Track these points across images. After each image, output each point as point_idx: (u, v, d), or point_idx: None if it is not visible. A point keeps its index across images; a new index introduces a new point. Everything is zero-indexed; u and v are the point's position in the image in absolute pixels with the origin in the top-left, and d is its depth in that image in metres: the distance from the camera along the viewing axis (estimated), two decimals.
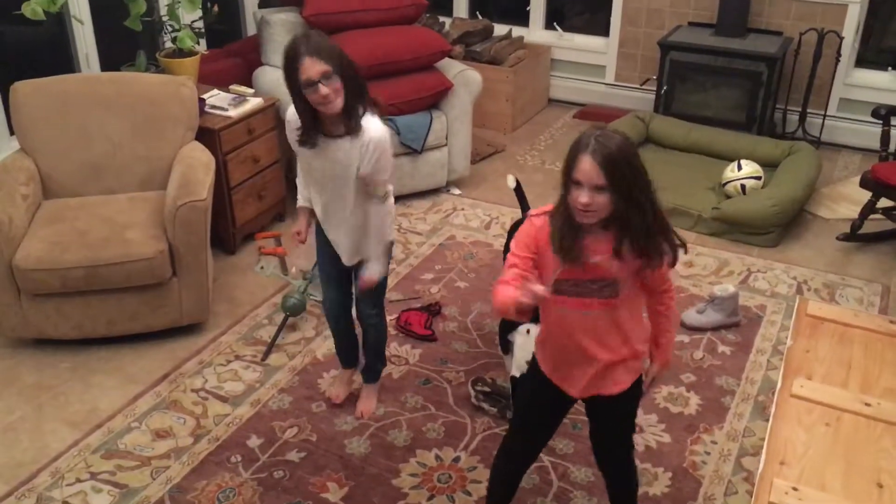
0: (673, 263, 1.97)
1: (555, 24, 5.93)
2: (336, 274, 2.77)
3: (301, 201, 2.73)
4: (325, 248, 2.71)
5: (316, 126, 2.38)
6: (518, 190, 3.32)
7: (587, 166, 1.79)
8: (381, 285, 2.75)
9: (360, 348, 3.02)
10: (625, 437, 2.26)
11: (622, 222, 1.85)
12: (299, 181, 2.70)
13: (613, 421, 2.22)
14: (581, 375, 2.09)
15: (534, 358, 2.20)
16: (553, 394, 2.15)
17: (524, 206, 3.34)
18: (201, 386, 3.15)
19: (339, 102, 2.28)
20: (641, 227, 1.86)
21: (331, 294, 2.84)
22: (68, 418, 3.00)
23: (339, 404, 3.02)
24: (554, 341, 2.10)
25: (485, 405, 2.98)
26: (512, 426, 2.35)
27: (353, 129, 2.35)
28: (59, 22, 4.08)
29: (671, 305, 2.13)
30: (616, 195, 1.80)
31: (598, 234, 1.89)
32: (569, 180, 1.84)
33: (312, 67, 2.21)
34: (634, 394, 2.16)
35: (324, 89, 2.23)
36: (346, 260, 2.68)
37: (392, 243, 2.69)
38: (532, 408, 2.25)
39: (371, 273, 2.61)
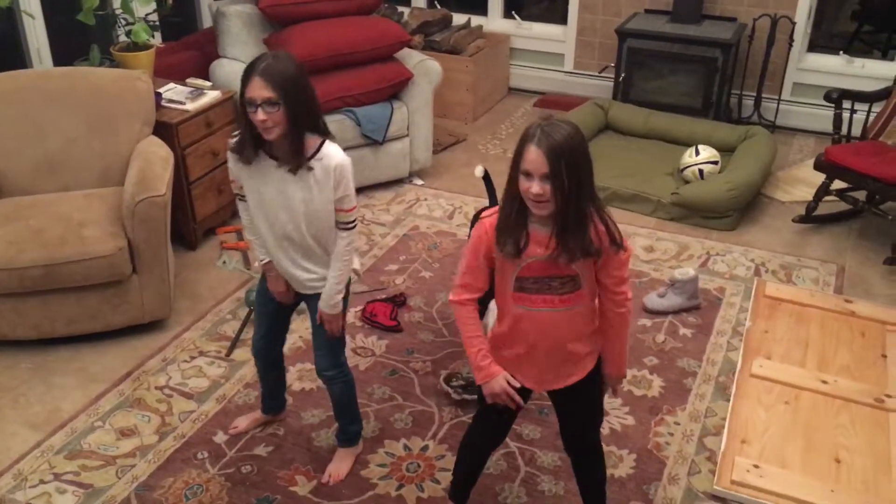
0: (616, 244, 1.93)
1: (513, 12, 5.94)
2: (274, 310, 2.60)
3: (263, 255, 2.50)
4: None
5: (255, 141, 2.25)
6: (486, 179, 3.33)
7: (534, 156, 1.80)
8: (341, 325, 2.53)
9: (285, 393, 2.91)
10: (592, 423, 2.29)
11: (562, 213, 1.86)
12: (249, 230, 2.51)
13: (578, 408, 2.24)
14: (539, 370, 2.12)
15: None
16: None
17: (492, 196, 3.35)
18: (165, 383, 3.12)
19: (275, 131, 2.17)
20: (577, 216, 1.86)
21: (262, 330, 2.67)
22: (30, 420, 2.96)
23: (239, 429, 2.89)
24: (515, 339, 2.08)
25: (466, 395, 2.98)
26: (477, 413, 2.36)
27: (302, 161, 2.24)
28: (9, 17, 3.99)
29: (625, 311, 2.05)
30: (559, 184, 1.81)
31: (538, 227, 1.90)
32: (517, 171, 1.85)
33: (257, 89, 2.13)
34: (594, 380, 2.16)
35: (261, 114, 2.13)
36: (299, 287, 2.50)
37: (355, 272, 2.51)
38: (498, 408, 2.25)
39: (331, 308, 2.42)
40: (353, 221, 2.35)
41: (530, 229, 1.91)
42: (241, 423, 2.91)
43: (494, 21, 5.98)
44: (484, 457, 2.43)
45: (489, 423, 2.31)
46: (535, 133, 1.81)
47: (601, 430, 2.85)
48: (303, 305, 2.61)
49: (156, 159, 3.36)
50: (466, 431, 2.41)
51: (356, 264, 2.50)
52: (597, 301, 2.06)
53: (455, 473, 2.49)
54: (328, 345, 2.54)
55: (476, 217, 3.35)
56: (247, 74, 2.15)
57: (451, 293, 2.09)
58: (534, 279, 1.95)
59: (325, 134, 2.29)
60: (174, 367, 3.20)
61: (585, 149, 1.86)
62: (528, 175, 1.82)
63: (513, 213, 1.89)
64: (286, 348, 2.78)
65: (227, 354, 3.27)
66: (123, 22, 3.98)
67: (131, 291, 3.26)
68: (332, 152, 2.27)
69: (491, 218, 1.97)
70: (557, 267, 1.93)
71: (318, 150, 2.26)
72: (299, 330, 3.36)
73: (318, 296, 2.45)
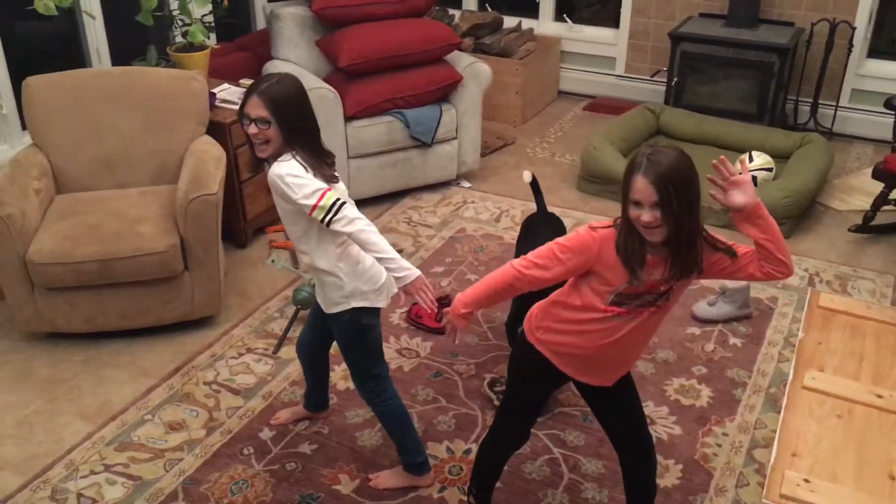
0: (730, 253, 2.02)
1: (564, 15, 5.91)
2: (320, 324, 2.61)
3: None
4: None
5: (256, 158, 2.34)
6: (534, 184, 3.33)
7: (641, 185, 1.82)
8: (358, 368, 2.52)
9: (327, 392, 2.94)
10: (640, 412, 2.28)
11: (676, 238, 1.88)
12: None
13: (622, 404, 2.25)
14: (603, 373, 2.15)
15: (529, 347, 2.17)
16: (548, 380, 2.20)
17: (540, 201, 3.34)
18: (213, 379, 3.17)
19: (264, 149, 2.26)
20: (689, 239, 1.90)
21: (307, 333, 2.74)
22: (82, 411, 3.03)
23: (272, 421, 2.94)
24: (588, 345, 2.08)
25: None
26: (503, 413, 2.35)
27: (262, 170, 2.33)
28: (70, 17, 4.09)
29: (766, 265, 2.05)
30: (668, 212, 1.83)
31: (652, 252, 1.92)
32: (628, 201, 1.87)
33: (253, 107, 2.22)
34: (626, 382, 2.23)
35: (252, 128, 2.23)
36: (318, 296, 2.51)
37: (360, 299, 2.39)
38: (527, 395, 2.27)
39: (401, 282, 2.28)
40: (327, 216, 2.20)
41: (648, 253, 1.92)
42: (283, 415, 2.95)
43: (545, 24, 5.96)
44: (505, 456, 2.40)
45: (514, 424, 2.31)
46: (642, 162, 1.83)
47: None
48: None
49: (209, 158, 3.42)
50: (488, 432, 2.40)
51: (352, 282, 2.38)
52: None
53: (474, 471, 2.44)
54: (351, 370, 2.56)
55: (527, 221, 3.33)
56: (248, 92, 2.25)
57: (521, 261, 2.03)
58: (633, 295, 1.97)
59: (319, 155, 2.31)
60: (222, 364, 3.25)
61: (694, 173, 1.87)
62: (638, 204, 1.84)
63: (632, 241, 1.91)
64: (333, 348, 2.79)
65: (274, 352, 3.31)
66: (180, 23, 4.05)
67: (182, 288, 3.31)
68: (273, 167, 2.26)
69: (605, 230, 1.96)
70: (655, 284, 1.96)
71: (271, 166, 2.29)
72: None
73: (333, 317, 2.44)
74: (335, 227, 2.20)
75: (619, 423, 2.27)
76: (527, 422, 2.32)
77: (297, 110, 2.26)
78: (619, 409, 2.25)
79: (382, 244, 2.24)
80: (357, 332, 2.45)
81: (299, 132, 2.27)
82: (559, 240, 2.01)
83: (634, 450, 2.29)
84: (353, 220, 2.21)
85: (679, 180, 1.82)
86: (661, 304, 2.00)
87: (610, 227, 1.96)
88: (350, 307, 2.39)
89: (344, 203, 2.22)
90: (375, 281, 2.41)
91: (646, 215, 1.83)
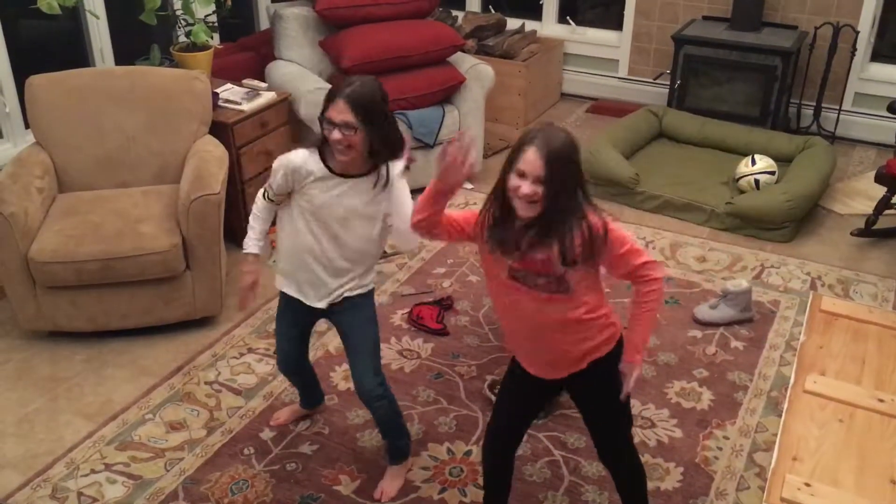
0: (600, 230, 1.94)
1: (567, 17, 5.91)
2: (297, 332, 2.63)
3: (254, 248, 2.49)
4: (291, 304, 2.53)
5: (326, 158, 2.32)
6: None
7: (532, 157, 1.86)
8: (376, 345, 2.54)
9: (319, 387, 2.93)
10: (614, 424, 2.25)
11: (547, 217, 1.90)
12: (259, 221, 2.48)
13: (595, 406, 2.22)
14: (535, 358, 2.15)
15: None
16: (522, 372, 2.19)
17: None
18: (214, 378, 3.17)
19: (350, 153, 2.24)
20: (560, 221, 1.91)
21: (285, 347, 2.67)
22: (83, 410, 3.03)
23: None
24: (508, 323, 2.17)
25: None
26: (494, 407, 2.37)
27: (380, 176, 2.34)
28: (74, 16, 4.09)
29: (650, 299, 2.04)
30: (550, 188, 1.86)
31: (532, 231, 1.93)
32: (511, 170, 1.90)
33: (339, 112, 2.19)
34: (608, 379, 2.12)
35: (338, 134, 2.20)
36: (318, 298, 2.48)
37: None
38: (510, 387, 2.28)
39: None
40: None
41: (527, 231, 1.94)
42: (282, 415, 2.95)
43: (549, 26, 5.96)
44: (504, 457, 2.38)
45: (503, 417, 2.31)
46: (535, 136, 1.87)
47: (647, 442, 2.83)
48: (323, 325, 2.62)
49: (211, 158, 3.42)
50: (485, 432, 2.40)
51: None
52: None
53: (485, 480, 2.44)
54: (372, 361, 2.52)
55: None
56: (330, 95, 2.23)
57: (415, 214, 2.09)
58: (523, 272, 1.99)
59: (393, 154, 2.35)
60: (223, 363, 3.25)
61: (579, 159, 1.92)
62: (522, 175, 1.87)
63: (500, 212, 1.96)
64: (332, 348, 2.80)
65: (276, 352, 3.31)
66: (184, 23, 4.06)
67: (184, 287, 3.31)
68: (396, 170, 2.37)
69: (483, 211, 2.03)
70: (542, 265, 1.96)
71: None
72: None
73: (353, 301, 2.48)
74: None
75: (588, 424, 2.28)
76: (512, 417, 2.30)
77: (383, 117, 2.26)
78: (584, 409, 2.26)
79: None
80: (373, 305, 2.54)
81: (388, 140, 2.29)
82: (463, 210, 2.12)
83: (605, 456, 2.31)
84: None
85: (567, 160, 1.87)
86: (556, 291, 1.97)
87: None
88: (372, 285, 2.51)
89: None
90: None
91: (526, 187, 1.87)
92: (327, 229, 2.36)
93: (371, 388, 2.50)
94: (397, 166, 2.36)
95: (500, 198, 1.96)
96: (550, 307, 2.01)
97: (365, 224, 2.38)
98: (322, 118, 2.23)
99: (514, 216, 1.94)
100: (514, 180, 1.89)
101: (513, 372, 2.24)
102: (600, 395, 2.17)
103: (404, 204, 2.36)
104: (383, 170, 2.33)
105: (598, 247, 1.93)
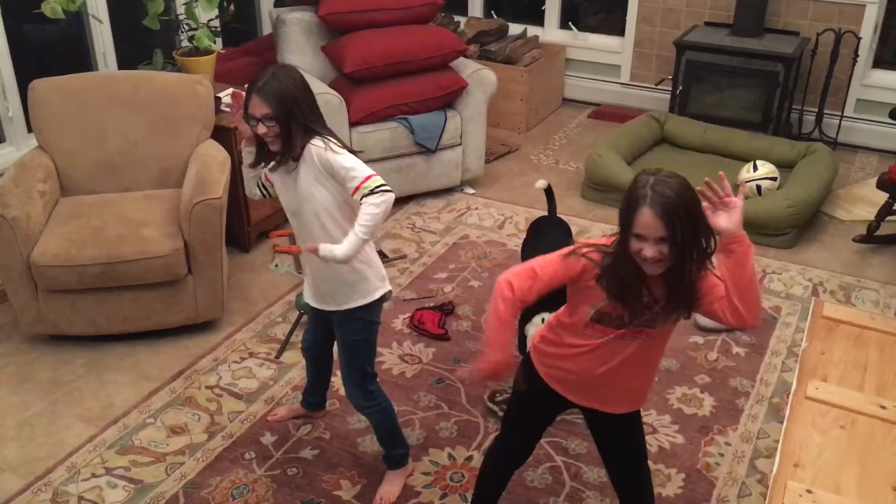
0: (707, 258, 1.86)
1: (570, 23, 5.91)
2: (316, 318, 2.64)
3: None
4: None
5: (264, 150, 2.33)
6: (548, 192, 3.35)
7: (648, 219, 1.72)
8: (360, 361, 2.51)
9: (325, 393, 2.93)
10: (643, 452, 2.23)
11: (676, 270, 1.80)
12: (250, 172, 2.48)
13: (623, 437, 2.19)
14: (587, 390, 2.08)
15: (531, 368, 2.15)
16: (549, 399, 2.13)
17: (552, 209, 3.37)
18: (216, 383, 3.17)
19: (275, 144, 2.26)
20: (693, 271, 1.81)
21: (309, 336, 2.74)
22: (83, 414, 3.03)
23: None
24: (577, 364, 2.04)
25: None
26: (504, 430, 2.33)
27: (296, 157, 2.29)
28: (77, 21, 4.11)
29: (736, 317, 1.85)
30: (674, 246, 1.74)
31: (653, 281, 1.85)
32: (628, 232, 1.77)
33: (256, 106, 2.23)
34: (635, 419, 2.14)
35: (261, 128, 2.23)
36: (314, 298, 2.50)
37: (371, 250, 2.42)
38: (526, 415, 2.24)
39: (328, 250, 2.20)
40: (379, 188, 2.20)
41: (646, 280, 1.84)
42: (280, 411, 2.98)
43: (551, 31, 5.96)
44: (507, 474, 2.37)
45: (515, 442, 2.28)
46: (647, 194, 1.72)
47: (649, 447, 2.82)
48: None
49: (213, 163, 3.42)
50: (489, 449, 2.38)
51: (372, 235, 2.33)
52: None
53: (478, 487, 2.41)
54: (350, 376, 2.53)
55: (533, 225, 3.34)
56: (247, 92, 2.26)
57: (511, 275, 1.93)
58: (616, 315, 1.90)
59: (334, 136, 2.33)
60: (225, 368, 3.25)
61: (698, 203, 1.77)
62: (641, 238, 1.75)
63: (629, 273, 1.82)
64: (333, 351, 2.79)
65: (277, 356, 3.31)
66: (187, 27, 4.07)
67: (185, 291, 3.32)
68: (316, 151, 2.27)
69: (592, 255, 1.88)
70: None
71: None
72: None
73: (348, 313, 2.44)
74: (372, 199, 2.17)
75: (622, 460, 2.23)
76: (527, 443, 2.29)
77: (299, 105, 2.24)
78: (623, 446, 2.20)
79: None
80: (371, 324, 2.48)
81: (305, 128, 2.26)
82: (545, 258, 1.93)
83: (634, 489, 2.26)
84: (384, 201, 2.19)
85: (686, 213, 1.73)
86: (644, 326, 1.91)
87: (596, 251, 1.87)
88: (372, 299, 2.42)
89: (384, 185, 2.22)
90: (380, 265, 2.46)
91: (650, 250, 1.74)
92: (295, 221, 2.41)
93: (351, 400, 2.59)
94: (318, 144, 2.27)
95: (627, 263, 1.81)
96: (636, 343, 1.94)
97: (313, 209, 2.30)
98: (245, 116, 2.28)
99: (640, 275, 1.82)
100: (634, 244, 1.76)
101: (535, 392, 2.14)
102: (639, 429, 2.17)
103: (354, 169, 2.22)
104: (307, 151, 2.27)
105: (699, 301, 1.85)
